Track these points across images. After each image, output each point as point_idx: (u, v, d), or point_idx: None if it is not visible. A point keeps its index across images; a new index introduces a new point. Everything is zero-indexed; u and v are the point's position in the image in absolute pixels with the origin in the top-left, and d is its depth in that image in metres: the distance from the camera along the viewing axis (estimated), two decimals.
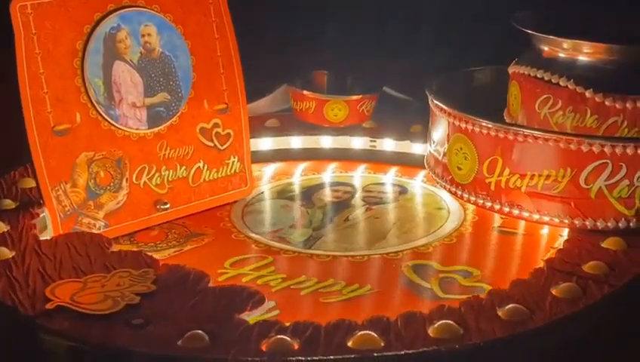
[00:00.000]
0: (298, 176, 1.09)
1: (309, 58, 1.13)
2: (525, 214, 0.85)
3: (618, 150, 0.81)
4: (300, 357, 0.65)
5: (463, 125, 0.87)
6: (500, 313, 0.70)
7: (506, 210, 0.86)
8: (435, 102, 0.91)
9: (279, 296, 0.80)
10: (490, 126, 0.85)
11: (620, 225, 0.83)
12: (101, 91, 0.89)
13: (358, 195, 1.03)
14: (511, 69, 0.94)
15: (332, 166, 1.11)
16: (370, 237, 0.93)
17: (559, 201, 0.83)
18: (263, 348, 0.66)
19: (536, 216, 0.85)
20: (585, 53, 0.88)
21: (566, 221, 0.84)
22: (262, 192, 1.04)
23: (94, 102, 0.89)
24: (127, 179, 0.92)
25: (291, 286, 0.83)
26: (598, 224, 0.83)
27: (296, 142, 1.12)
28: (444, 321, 0.68)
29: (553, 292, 0.73)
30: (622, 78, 0.86)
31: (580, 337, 0.71)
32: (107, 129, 0.90)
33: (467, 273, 0.85)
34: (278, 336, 0.67)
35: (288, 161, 1.12)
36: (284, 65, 1.15)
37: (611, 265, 0.77)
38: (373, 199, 1.02)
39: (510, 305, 0.70)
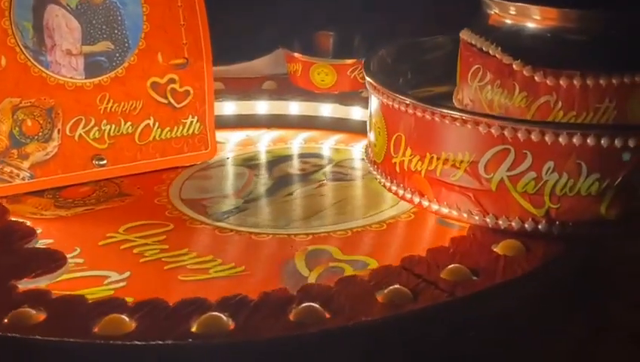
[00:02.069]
0: (274, 143, 1.00)
1: (315, 16, 1.03)
2: (425, 203, 0.72)
3: (521, 135, 0.66)
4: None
5: (378, 96, 0.75)
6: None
7: (408, 196, 0.74)
8: (364, 74, 0.79)
9: (140, 268, 0.74)
10: (394, 97, 0.72)
11: (526, 226, 0.68)
12: (30, 35, 0.85)
13: (326, 170, 0.93)
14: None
15: (313, 135, 1.00)
16: (295, 215, 0.83)
17: (458, 191, 0.70)
18: (96, 329, 0.58)
19: (435, 206, 0.72)
20: (534, 19, 0.73)
21: (464, 215, 0.70)
22: (228, 158, 0.96)
23: (22, 46, 0.85)
24: (59, 130, 0.88)
25: (162, 259, 0.75)
26: (500, 222, 0.69)
27: (293, 107, 1.03)
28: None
29: (378, 297, 0.61)
30: (561, 49, 0.71)
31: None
32: (37, 75, 0.86)
33: (363, 264, 0.73)
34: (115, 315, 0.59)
35: (279, 128, 1.03)
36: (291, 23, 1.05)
37: (476, 272, 0.63)
38: (337, 175, 0.92)
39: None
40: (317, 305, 0.59)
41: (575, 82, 0.70)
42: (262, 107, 1.03)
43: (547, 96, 0.71)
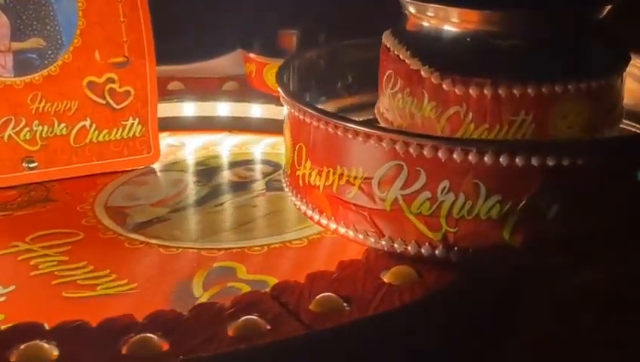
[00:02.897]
0: (229, 147, 0.94)
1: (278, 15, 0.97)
2: (324, 221, 0.66)
3: (413, 150, 0.59)
4: None
5: (284, 103, 0.69)
6: None
7: (309, 213, 0.67)
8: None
9: (27, 282, 0.69)
10: (292, 104, 0.66)
11: (422, 250, 0.61)
12: None
13: (272, 178, 0.87)
14: None
15: (274, 140, 0.94)
16: (216, 228, 0.78)
17: (354, 210, 0.63)
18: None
19: (332, 226, 0.65)
20: (452, 22, 0.65)
21: (360, 236, 0.63)
22: (175, 163, 0.91)
23: None
24: None
25: (55, 272, 0.71)
26: (396, 246, 0.62)
27: (255, 110, 0.97)
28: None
29: (229, 329, 0.55)
30: (475, 55, 0.63)
31: None
32: None
33: (265, 285, 0.67)
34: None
35: (241, 131, 0.97)
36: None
37: (350, 301, 0.57)
38: (279, 184, 0.85)
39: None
40: (155, 337, 0.53)
41: (486, 92, 0.62)
42: (223, 109, 0.97)
43: (457, 107, 0.64)
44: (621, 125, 0.71)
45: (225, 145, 0.95)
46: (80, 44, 0.85)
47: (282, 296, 0.58)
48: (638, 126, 0.74)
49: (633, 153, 0.59)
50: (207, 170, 0.89)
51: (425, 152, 0.59)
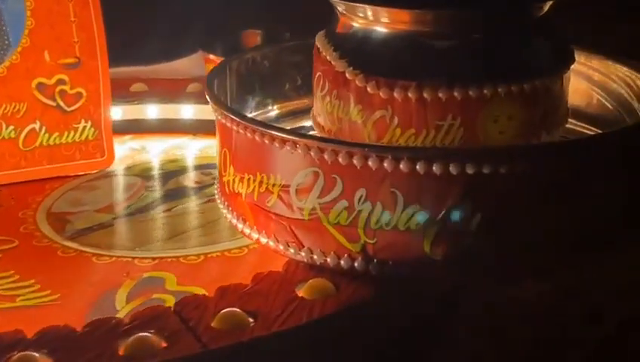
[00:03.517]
0: (191, 151, 0.91)
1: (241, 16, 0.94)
2: (247, 231, 0.63)
3: (328, 156, 0.56)
4: None
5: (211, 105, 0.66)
6: None
7: (234, 221, 0.64)
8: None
9: None
10: (215, 108, 0.63)
11: (342, 263, 0.57)
12: None
13: None
14: None
15: None
16: (156, 235, 0.75)
17: (274, 220, 0.59)
18: None
19: (254, 235, 0.62)
20: (383, 23, 0.61)
21: (281, 247, 0.60)
22: (130, 167, 0.88)
23: None
24: None
25: None
26: (316, 257, 0.58)
27: None
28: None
29: (120, 347, 0.52)
30: (402, 57, 0.59)
31: None
32: None
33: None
34: None
35: (206, 135, 0.94)
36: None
37: (256, 317, 0.54)
38: None
39: None
40: (38, 355, 0.50)
41: (410, 95, 0.58)
42: (187, 111, 0.94)
43: (382, 111, 0.60)
44: (570, 126, 0.67)
45: (187, 149, 0.92)
46: (29, 45, 0.83)
47: (185, 311, 0.55)
48: (589, 127, 0.70)
49: (557, 160, 0.55)
50: (162, 175, 0.86)
51: (340, 159, 0.55)
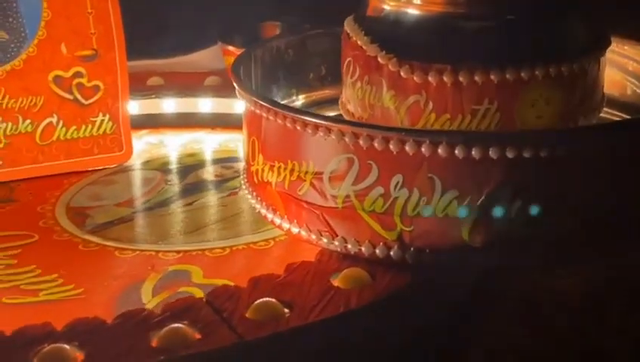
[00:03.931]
0: (209, 144, 0.89)
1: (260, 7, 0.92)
2: (277, 220, 0.61)
3: (363, 142, 0.54)
4: None
5: (238, 96, 0.64)
6: None
7: (263, 211, 0.62)
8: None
9: None
10: (244, 95, 0.61)
11: (377, 252, 0.56)
12: None
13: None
14: None
15: None
16: (179, 229, 0.73)
17: (306, 208, 0.58)
18: None
19: (285, 225, 0.60)
20: (415, 5, 0.60)
21: (313, 236, 0.58)
22: (148, 161, 0.87)
23: None
24: None
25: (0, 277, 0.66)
26: (350, 246, 0.57)
27: (239, 105, 0.92)
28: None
29: (152, 339, 0.50)
30: (436, 39, 0.58)
31: None
32: None
33: None
34: None
35: (224, 128, 0.92)
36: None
37: (291, 307, 0.52)
38: None
39: None
40: (69, 347, 0.49)
41: (445, 79, 0.57)
42: (205, 105, 0.93)
43: (416, 96, 0.58)
44: (604, 115, 0.65)
45: (205, 143, 0.90)
46: (45, 37, 0.81)
47: (217, 301, 0.53)
48: (622, 115, 0.68)
49: (602, 143, 0.53)
50: (181, 169, 0.85)
51: (375, 144, 0.53)
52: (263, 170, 0.61)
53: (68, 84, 0.82)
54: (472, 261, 0.54)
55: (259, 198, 0.63)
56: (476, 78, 0.57)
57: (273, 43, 0.73)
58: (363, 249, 0.56)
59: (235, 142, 0.89)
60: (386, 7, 0.61)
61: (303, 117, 0.56)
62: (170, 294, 0.63)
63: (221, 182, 0.81)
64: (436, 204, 0.54)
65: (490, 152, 0.52)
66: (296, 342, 0.51)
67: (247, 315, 0.52)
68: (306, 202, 0.58)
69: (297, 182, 0.58)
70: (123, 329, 0.51)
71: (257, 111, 0.59)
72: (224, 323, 0.51)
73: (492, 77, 0.57)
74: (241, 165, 0.82)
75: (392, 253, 0.55)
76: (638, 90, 0.68)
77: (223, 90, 0.93)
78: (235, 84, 0.63)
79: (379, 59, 0.59)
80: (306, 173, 0.57)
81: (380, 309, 0.53)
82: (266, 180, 0.60)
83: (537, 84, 0.58)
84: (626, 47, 0.68)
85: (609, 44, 0.62)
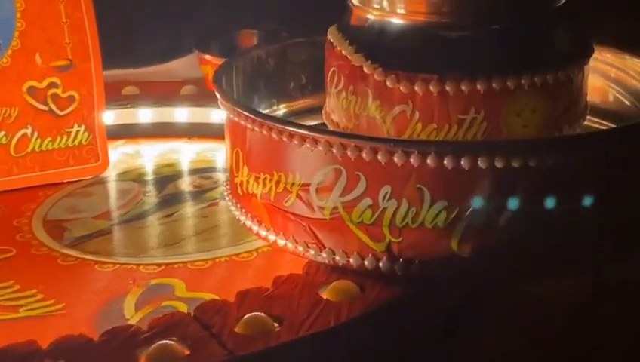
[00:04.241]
0: (186, 155, 0.88)
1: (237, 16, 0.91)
2: (262, 233, 0.60)
3: (351, 153, 0.53)
4: None
5: (221, 105, 0.63)
6: None
7: (248, 223, 0.62)
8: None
9: None
10: (228, 106, 0.61)
11: (366, 263, 0.55)
12: None
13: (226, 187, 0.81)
14: None
15: None
16: (158, 242, 0.72)
17: (293, 220, 0.57)
18: None
19: (271, 237, 0.60)
20: (399, 14, 0.59)
21: (300, 249, 0.58)
22: (124, 172, 0.85)
23: None
24: None
25: None
26: (338, 258, 0.56)
27: (216, 115, 0.91)
28: None
29: (141, 357, 0.49)
30: (422, 49, 0.57)
31: None
32: None
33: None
34: None
35: (201, 138, 0.91)
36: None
37: (281, 321, 0.51)
38: None
39: None
40: None
41: (432, 88, 0.57)
42: (181, 114, 0.92)
43: (403, 106, 0.58)
44: (586, 122, 0.65)
45: (183, 153, 0.89)
46: (19, 47, 0.80)
47: (205, 317, 0.52)
48: (605, 123, 0.68)
49: (589, 152, 0.53)
50: (160, 180, 0.84)
51: (363, 155, 0.53)
52: (247, 182, 0.60)
53: (43, 95, 0.81)
54: (461, 271, 0.54)
55: (243, 210, 0.62)
56: (463, 87, 0.57)
57: (254, 52, 0.72)
58: (351, 260, 0.56)
59: (213, 152, 0.88)
60: (370, 16, 0.61)
61: (289, 128, 0.56)
62: (153, 308, 0.62)
63: (200, 192, 0.80)
64: (425, 215, 0.53)
65: (479, 162, 0.52)
66: (287, 356, 0.50)
67: (236, 330, 0.51)
68: (293, 214, 0.57)
69: (283, 193, 0.57)
70: (110, 347, 0.50)
71: (242, 122, 0.59)
72: (213, 339, 0.50)
73: (478, 86, 0.57)
74: (220, 175, 0.82)
75: (380, 264, 0.55)
76: (619, 97, 0.68)
77: (200, 99, 0.92)
78: (217, 95, 0.62)
79: (364, 69, 0.59)
80: (293, 184, 0.56)
81: (371, 321, 0.52)
82: (251, 192, 0.60)
83: (523, 93, 0.58)
84: (608, 55, 0.68)
85: (592, 52, 0.62)
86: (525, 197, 0.53)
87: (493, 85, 0.57)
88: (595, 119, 0.68)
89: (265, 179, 0.58)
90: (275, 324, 0.52)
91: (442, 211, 0.53)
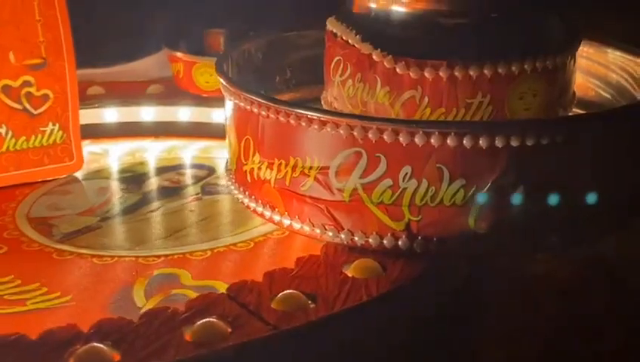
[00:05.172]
0: (156, 153, 0.89)
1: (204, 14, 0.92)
2: (276, 218, 0.62)
3: (372, 135, 0.55)
4: None
5: (226, 94, 0.65)
6: None
7: (260, 209, 0.63)
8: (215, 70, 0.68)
9: None
10: (238, 93, 0.62)
11: (384, 242, 0.57)
12: None
13: (207, 181, 0.82)
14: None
15: (205, 144, 0.90)
16: (151, 235, 0.73)
17: (310, 203, 0.59)
18: None
19: (286, 221, 0.61)
20: (401, 2, 0.62)
21: (317, 231, 0.59)
22: (99, 170, 0.85)
23: None
24: None
25: None
26: (356, 238, 0.58)
27: (183, 113, 0.92)
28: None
29: (186, 334, 0.50)
30: (428, 36, 0.60)
31: None
32: None
33: (213, 290, 0.62)
34: None
35: (168, 136, 0.92)
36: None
37: (314, 298, 0.53)
38: (215, 188, 0.81)
39: None
40: (104, 346, 0.48)
41: (441, 74, 0.59)
42: (147, 114, 0.92)
43: (412, 91, 0.60)
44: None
45: (152, 151, 0.90)
46: None
47: (240, 296, 0.54)
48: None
49: (598, 131, 0.57)
50: (135, 177, 0.84)
51: (385, 137, 0.55)
52: (259, 169, 0.61)
53: (17, 94, 0.81)
54: (477, 247, 0.56)
55: (253, 197, 0.63)
56: (471, 72, 0.59)
57: (245, 45, 0.73)
58: (370, 240, 0.58)
59: (182, 150, 0.89)
60: (373, 5, 0.63)
61: (307, 112, 0.57)
62: (163, 296, 0.63)
63: (179, 188, 0.81)
64: (444, 193, 0.56)
65: (496, 141, 0.54)
66: (326, 330, 0.52)
67: (273, 306, 0.53)
68: (310, 197, 0.59)
69: (300, 178, 0.59)
70: (152, 327, 0.51)
71: (255, 110, 0.60)
72: (253, 316, 0.51)
73: (485, 71, 0.59)
74: (196, 172, 0.83)
75: (400, 242, 0.57)
76: (600, 92, 0.72)
77: (166, 97, 0.93)
78: (225, 84, 0.64)
79: (373, 57, 0.61)
80: (310, 168, 0.58)
81: (400, 296, 0.54)
82: (263, 178, 0.61)
83: (526, 77, 0.61)
84: (591, 50, 0.72)
85: (581, 39, 0.66)
86: (537, 174, 0.56)
87: (499, 70, 0.60)
88: (576, 110, 0.71)
89: (280, 164, 0.59)
90: (309, 301, 0.53)
91: (460, 189, 0.55)
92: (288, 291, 0.54)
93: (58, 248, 0.70)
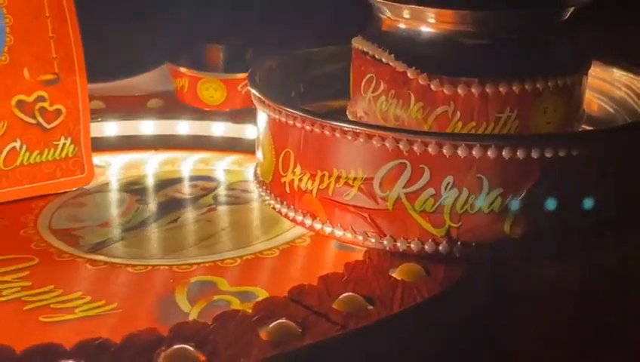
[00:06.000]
0: (159, 165, 0.92)
1: (204, 30, 0.95)
2: (317, 226, 0.66)
3: (417, 148, 0.60)
4: None
5: (264, 109, 0.68)
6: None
7: (299, 218, 0.67)
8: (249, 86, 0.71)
9: None
10: (281, 109, 0.65)
11: (426, 247, 0.62)
12: None
13: (216, 193, 0.85)
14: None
15: (205, 156, 0.93)
16: (178, 244, 0.75)
17: (352, 212, 0.63)
18: None
19: (328, 229, 0.65)
20: (429, 23, 0.66)
21: (360, 238, 0.63)
22: (107, 183, 0.88)
23: None
24: None
25: (23, 298, 0.67)
26: (399, 244, 0.62)
27: (182, 127, 0.95)
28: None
29: (261, 334, 0.53)
30: (458, 55, 0.65)
31: None
32: None
33: (252, 296, 0.66)
34: None
35: (168, 149, 0.95)
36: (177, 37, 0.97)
37: (371, 300, 0.57)
38: (228, 198, 0.84)
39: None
40: (190, 347, 0.52)
41: (473, 90, 0.64)
42: (147, 127, 0.95)
43: (445, 106, 0.65)
44: None
45: (154, 164, 0.92)
46: (8, 62, 0.81)
47: (303, 299, 0.57)
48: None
49: (624, 142, 0.62)
50: (144, 189, 0.87)
51: (429, 149, 0.59)
52: (300, 180, 0.65)
53: (31, 109, 0.83)
54: (512, 252, 0.61)
55: (292, 207, 0.67)
56: (500, 88, 0.64)
57: (269, 62, 0.77)
58: (412, 246, 0.62)
59: (184, 162, 0.92)
60: (402, 25, 0.67)
61: (353, 127, 0.61)
62: (207, 303, 0.65)
63: (194, 199, 0.84)
64: (483, 201, 0.60)
65: (532, 152, 0.59)
66: (387, 330, 0.55)
67: (335, 308, 0.56)
68: (354, 206, 0.63)
69: (344, 188, 0.63)
70: (228, 329, 0.54)
71: (297, 124, 0.64)
72: (320, 317, 0.55)
73: (514, 88, 0.64)
74: (206, 183, 0.86)
75: (440, 247, 0.61)
76: (605, 106, 0.78)
77: (166, 111, 0.96)
78: (263, 99, 0.67)
79: (408, 74, 0.65)
80: (355, 179, 0.62)
81: (449, 298, 0.59)
82: (304, 189, 0.65)
83: (549, 93, 0.66)
84: (597, 70, 0.77)
85: (592, 59, 0.72)
86: (567, 183, 0.61)
87: (526, 86, 0.65)
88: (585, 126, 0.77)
89: (323, 175, 0.63)
90: (366, 303, 0.57)
91: (498, 197, 0.60)
92: (347, 294, 0.57)
93: (90, 258, 0.73)
